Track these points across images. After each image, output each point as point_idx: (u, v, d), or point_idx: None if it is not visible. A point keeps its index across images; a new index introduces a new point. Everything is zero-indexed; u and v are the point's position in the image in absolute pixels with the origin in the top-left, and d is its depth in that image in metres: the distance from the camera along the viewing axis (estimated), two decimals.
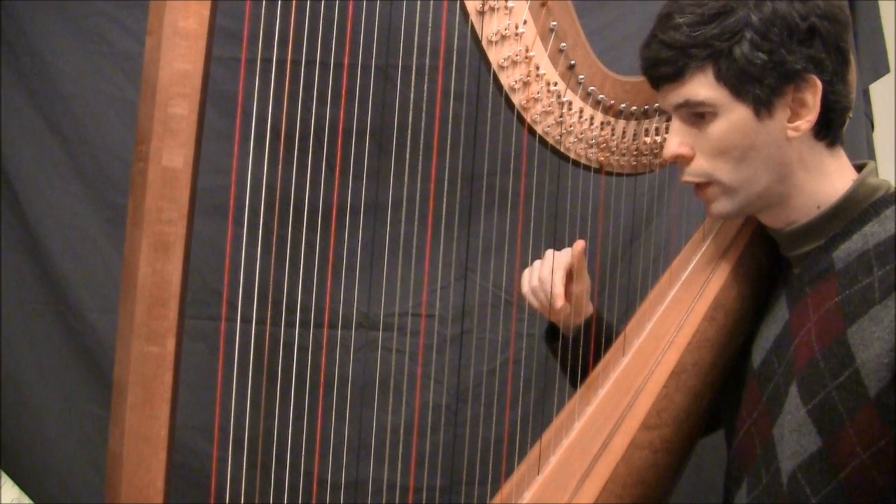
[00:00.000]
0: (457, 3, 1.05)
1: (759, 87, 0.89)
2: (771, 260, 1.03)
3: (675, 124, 0.96)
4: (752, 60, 0.88)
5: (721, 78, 0.90)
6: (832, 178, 0.94)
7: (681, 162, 0.97)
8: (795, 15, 0.88)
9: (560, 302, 1.10)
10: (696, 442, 1.02)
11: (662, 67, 0.94)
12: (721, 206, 0.96)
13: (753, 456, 0.94)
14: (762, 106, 0.90)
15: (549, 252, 1.15)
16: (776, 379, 0.93)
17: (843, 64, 0.91)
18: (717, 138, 0.92)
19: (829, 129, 0.92)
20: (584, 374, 1.09)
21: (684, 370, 0.98)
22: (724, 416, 1.06)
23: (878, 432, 0.81)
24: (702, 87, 0.91)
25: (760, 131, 0.91)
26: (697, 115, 0.93)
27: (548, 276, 1.12)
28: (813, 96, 0.89)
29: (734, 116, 0.91)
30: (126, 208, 0.95)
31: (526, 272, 1.18)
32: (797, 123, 0.90)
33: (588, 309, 1.18)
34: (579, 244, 1.13)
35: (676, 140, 0.96)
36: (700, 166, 0.95)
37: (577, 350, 1.12)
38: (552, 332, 1.24)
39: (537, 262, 1.16)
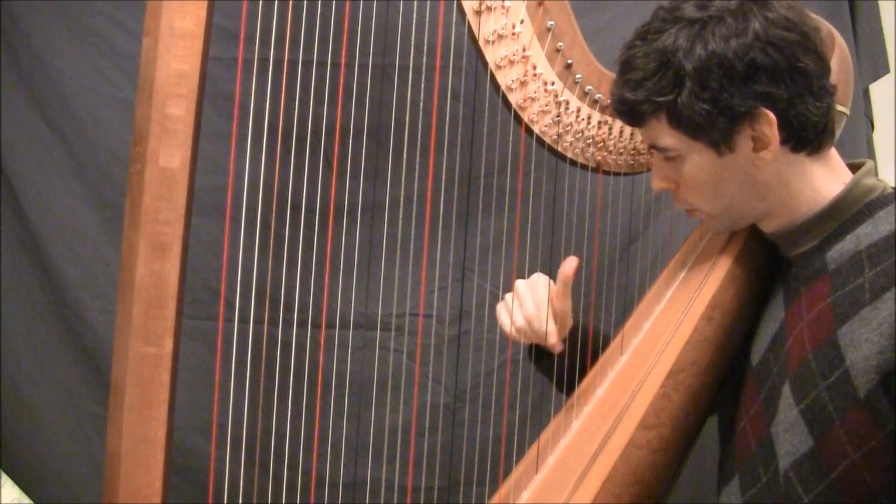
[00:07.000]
0: (454, 3, 1.05)
1: (712, 131, 0.89)
2: (769, 258, 1.03)
3: (656, 161, 0.99)
4: (696, 110, 0.88)
5: (675, 126, 0.91)
6: (819, 185, 0.93)
7: (670, 191, 1.00)
8: (732, 56, 0.86)
9: (554, 339, 1.08)
10: (695, 441, 1.02)
11: (622, 117, 0.98)
12: (710, 226, 1.03)
13: (748, 454, 0.94)
14: (721, 145, 0.91)
15: (522, 283, 1.11)
16: (772, 377, 0.93)
17: (805, 81, 0.88)
18: (687, 177, 0.95)
19: (805, 143, 0.91)
20: (574, 383, 1.08)
21: (682, 370, 0.98)
22: (721, 414, 1.06)
23: (868, 433, 0.82)
24: (661, 134, 0.93)
25: (726, 165, 0.92)
26: (667, 157, 0.95)
27: (535, 313, 1.09)
28: (769, 127, 0.88)
29: (697, 157, 0.93)
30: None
31: (502, 310, 1.13)
32: (761, 153, 0.90)
33: (570, 322, 1.15)
34: (572, 262, 1.09)
35: (659, 176, 0.99)
36: (683, 197, 0.98)
37: (563, 362, 1.12)
38: (535, 351, 1.20)
39: (509, 297, 1.12)
